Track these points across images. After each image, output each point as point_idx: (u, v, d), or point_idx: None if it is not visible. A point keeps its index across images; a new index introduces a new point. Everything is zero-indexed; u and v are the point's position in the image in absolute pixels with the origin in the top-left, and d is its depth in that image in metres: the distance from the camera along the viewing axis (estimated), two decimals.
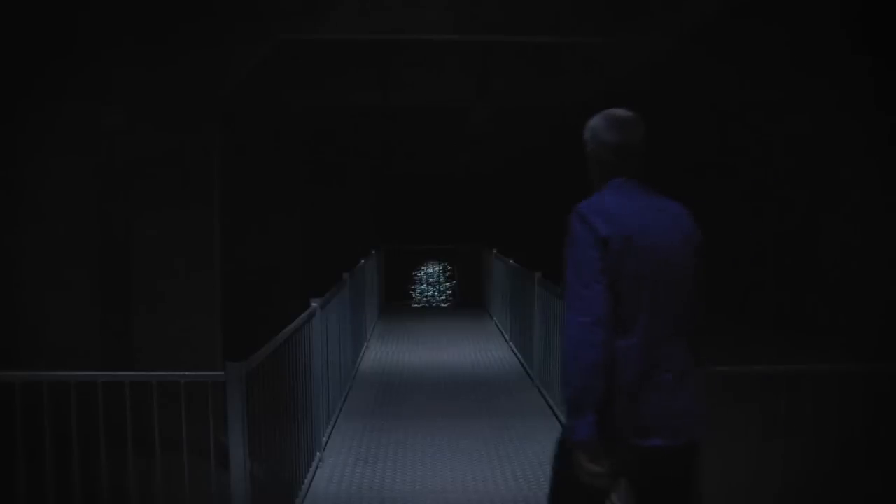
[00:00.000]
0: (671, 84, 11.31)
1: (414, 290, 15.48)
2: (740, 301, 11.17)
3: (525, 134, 16.93)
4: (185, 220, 7.39)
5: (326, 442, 5.98)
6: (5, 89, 6.81)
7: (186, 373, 3.67)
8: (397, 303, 14.88)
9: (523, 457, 5.80)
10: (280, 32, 7.80)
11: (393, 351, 10.28)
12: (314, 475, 5.34)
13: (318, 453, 5.59)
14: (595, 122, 2.87)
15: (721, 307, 11.51)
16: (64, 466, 3.68)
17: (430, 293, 16.48)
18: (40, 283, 7.05)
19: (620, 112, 2.86)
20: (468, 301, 15.15)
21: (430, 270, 16.69)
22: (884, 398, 3.68)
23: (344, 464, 5.66)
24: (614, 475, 2.52)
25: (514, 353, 9.79)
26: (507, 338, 10.72)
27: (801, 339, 8.97)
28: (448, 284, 16.60)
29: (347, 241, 15.98)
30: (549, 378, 7.35)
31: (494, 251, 12.75)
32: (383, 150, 18.90)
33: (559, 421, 6.61)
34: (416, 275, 15.27)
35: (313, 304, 5.64)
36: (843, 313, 8.60)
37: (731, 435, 3.77)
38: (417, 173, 20.43)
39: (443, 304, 16.15)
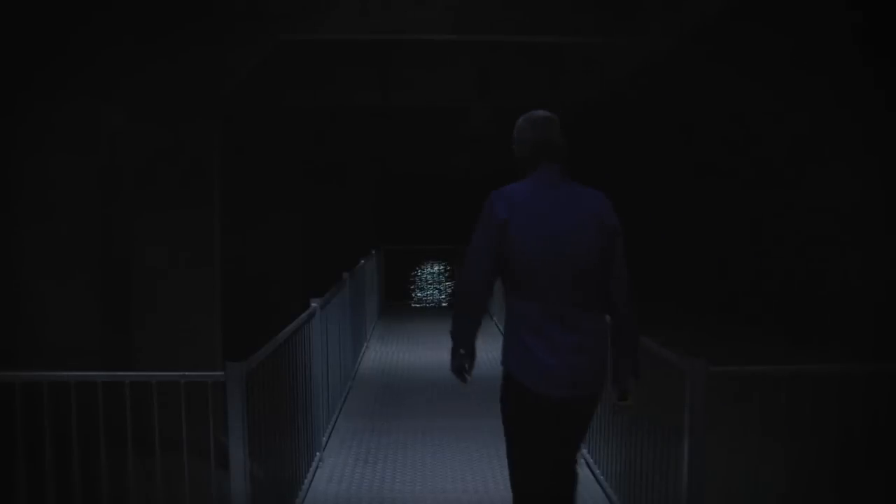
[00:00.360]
0: (671, 84, 11.31)
1: (414, 290, 15.49)
2: (739, 300, 11.18)
3: None
4: (186, 219, 7.39)
5: (326, 442, 5.97)
6: (5, 88, 6.81)
7: (186, 373, 3.66)
8: (397, 303, 14.86)
9: None
10: (280, 32, 7.80)
11: (393, 351, 10.27)
12: (314, 475, 5.33)
13: (318, 453, 5.59)
14: (519, 122, 3.32)
15: (720, 307, 11.51)
16: (64, 466, 3.68)
17: (431, 293, 16.47)
18: (40, 284, 7.05)
19: (539, 113, 3.31)
20: None
21: (430, 270, 16.70)
22: (884, 398, 3.68)
23: (344, 464, 5.65)
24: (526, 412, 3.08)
25: None
26: None
27: (801, 339, 8.96)
28: (448, 284, 16.60)
29: (347, 241, 15.99)
30: None
31: None
32: (383, 150, 18.90)
33: None
34: (416, 275, 15.28)
35: (313, 304, 5.63)
36: (842, 313, 8.60)
37: (731, 435, 3.77)
38: (417, 173, 20.44)
39: (443, 304, 16.16)
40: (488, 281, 3.13)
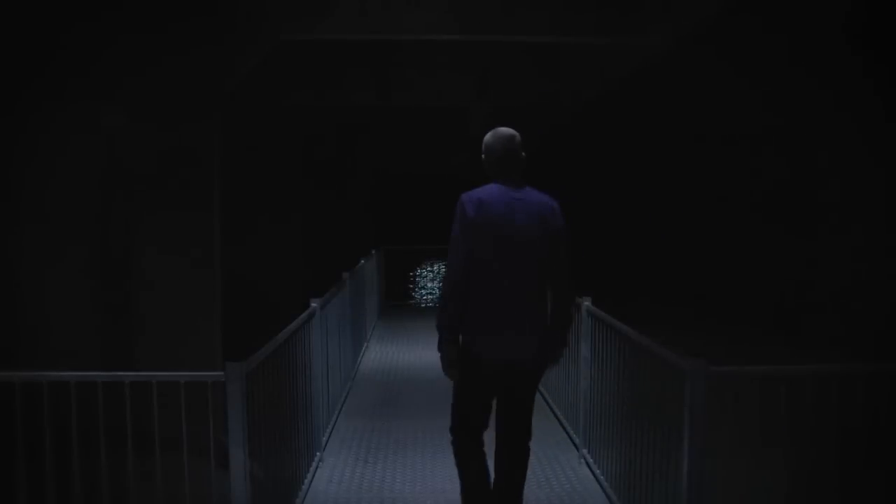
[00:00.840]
0: (670, 84, 11.31)
1: (414, 289, 15.48)
2: (740, 300, 11.18)
3: (525, 134, 16.92)
4: (186, 220, 7.39)
5: (326, 442, 5.98)
6: (5, 89, 6.81)
7: (186, 373, 3.66)
8: (397, 303, 14.85)
9: None
10: (280, 32, 7.80)
11: (393, 351, 10.27)
12: (314, 475, 5.34)
13: (318, 453, 5.59)
14: (487, 137, 3.95)
15: (720, 306, 11.51)
16: (64, 466, 3.68)
17: (431, 293, 16.45)
18: (41, 284, 7.05)
19: (504, 130, 3.96)
20: None
21: (430, 270, 16.68)
22: (884, 398, 3.69)
23: (344, 464, 5.66)
24: (475, 376, 3.84)
25: None
26: None
27: (801, 340, 8.97)
28: None
29: (347, 240, 15.98)
30: (549, 378, 7.34)
31: None
32: (383, 150, 18.90)
33: (559, 420, 6.62)
34: (415, 275, 15.27)
35: (313, 304, 5.63)
36: (843, 313, 8.60)
37: (730, 435, 3.77)
38: (417, 173, 20.45)
39: None
40: (467, 267, 3.74)
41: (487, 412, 4.00)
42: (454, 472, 5.42)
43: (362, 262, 10.61)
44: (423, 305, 13.10)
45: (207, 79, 7.41)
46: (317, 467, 5.46)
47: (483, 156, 3.97)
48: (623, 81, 11.11)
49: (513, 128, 3.94)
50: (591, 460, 5.46)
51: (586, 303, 5.57)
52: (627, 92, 12.06)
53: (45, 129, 7.05)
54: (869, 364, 3.81)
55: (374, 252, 12.87)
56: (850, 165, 8.56)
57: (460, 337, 3.81)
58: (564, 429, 6.38)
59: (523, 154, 3.95)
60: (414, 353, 10.09)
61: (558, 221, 3.87)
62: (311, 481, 5.22)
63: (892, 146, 7.76)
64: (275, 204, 12.95)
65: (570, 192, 19.65)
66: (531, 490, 5.11)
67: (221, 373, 3.53)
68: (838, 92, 8.34)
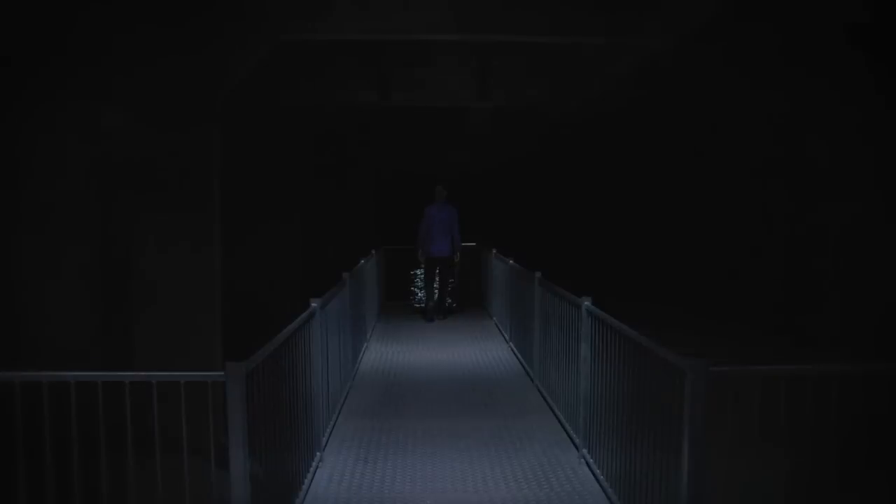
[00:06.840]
0: (671, 84, 11.31)
1: (414, 290, 15.44)
2: (740, 300, 11.17)
3: (525, 134, 16.91)
4: (185, 220, 7.38)
5: (326, 442, 5.98)
6: (4, 89, 6.80)
7: (186, 373, 3.66)
8: (397, 303, 14.84)
9: (523, 457, 5.81)
10: (280, 32, 7.79)
11: (393, 351, 10.28)
12: (314, 475, 5.34)
13: (318, 453, 5.59)
14: (437, 188, 12.79)
15: (721, 307, 11.51)
16: (64, 466, 3.68)
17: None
18: (40, 284, 7.04)
19: (439, 188, 12.67)
20: (468, 301, 15.13)
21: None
22: (884, 398, 3.69)
23: (344, 464, 5.66)
24: (431, 264, 12.71)
25: (514, 353, 9.79)
26: (507, 338, 10.72)
27: (799, 339, 8.96)
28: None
29: (347, 240, 15.98)
30: (549, 378, 7.35)
31: (494, 251, 12.76)
32: (383, 150, 18.90)
33: (559, 420, 6.62)
34: (415, 275, 15.21)
35: (313, 304, 5.64)
36: (842, 314, 8.60)
37: (730, 435, 3.77)
38: (417, 172, 20.42)
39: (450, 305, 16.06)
40: (423, 229, 12.55)
41: (434, 277, 12.78)
42: (454, 472, 5.48)
43: (362, 262, 10.62)
44: (423, 306, 13.07)
45: (207, 79, 7.40)
46: (317, 467, 5.46)
47: (434, 194, 12.43)
48: (623, 81, 11.11)
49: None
50: (591, 460, 5.47)
51: (586, 303, 5.57)
52: (627, 92, 12.06)
53: (45, 129, 7.03)
54: (869, 364, 3.82)
55: (374, 252, 12.88)
56: (851, 163, 8.56)
57: (423, 248, 12.51)
58: (564, 429, 6.39)
59: (445, 193, 12.49)
60: (414, 353, 10.09)
61: (454, 215, 12.38)
62: (311, 481, 5.22)
63: (892, 146, 7.77)
64: (275, 204, 12.93)
65: (570, 192, 19.63)
66: (532, 491, 5.13)
67: (221, 373, 3.53)
68: (840, 89, 8.33)
